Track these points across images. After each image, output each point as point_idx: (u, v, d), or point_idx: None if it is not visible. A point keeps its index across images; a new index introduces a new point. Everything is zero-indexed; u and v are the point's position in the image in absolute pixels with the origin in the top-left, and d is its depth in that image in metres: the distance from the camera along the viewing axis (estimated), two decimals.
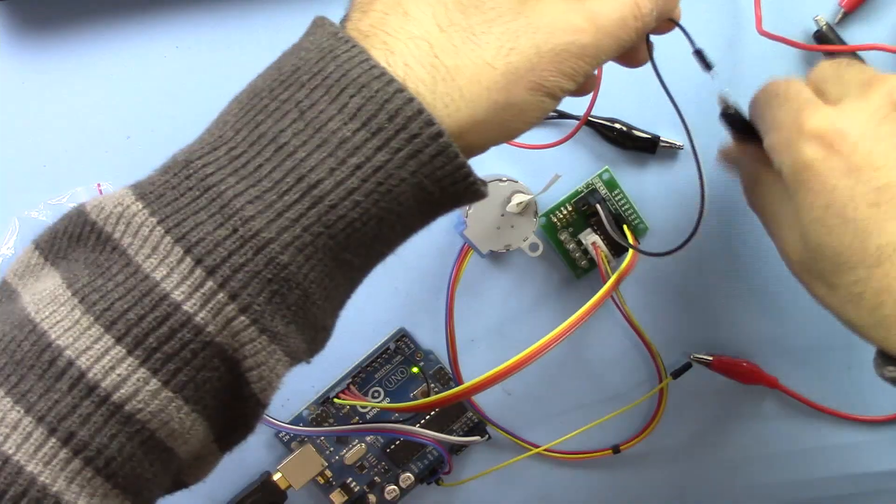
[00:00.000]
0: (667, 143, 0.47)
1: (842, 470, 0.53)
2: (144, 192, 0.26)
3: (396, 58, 0.26)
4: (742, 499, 0.52)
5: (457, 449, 0.49)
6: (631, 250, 0.44)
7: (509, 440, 0.49)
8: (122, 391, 0.24)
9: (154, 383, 0.25)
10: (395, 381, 0.48)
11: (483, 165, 0.46)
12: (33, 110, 0.44)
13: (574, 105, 0.47)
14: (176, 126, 0.44)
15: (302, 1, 0.44)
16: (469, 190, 0.27)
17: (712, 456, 0.51)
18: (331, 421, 0.47)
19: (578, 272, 0.48)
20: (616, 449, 0.50)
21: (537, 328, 0.48)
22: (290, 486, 0.47)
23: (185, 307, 0.24)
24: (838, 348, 0.50)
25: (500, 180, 0.44)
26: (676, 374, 0.49)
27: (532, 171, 0.47)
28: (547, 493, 0.51)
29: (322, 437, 0.48)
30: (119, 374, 0.24)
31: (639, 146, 0.47)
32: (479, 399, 0.49)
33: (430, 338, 0.48)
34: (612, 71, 0.47)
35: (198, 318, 0.25)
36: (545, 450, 0.49)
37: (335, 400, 0.47)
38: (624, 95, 0.47)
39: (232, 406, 0.27)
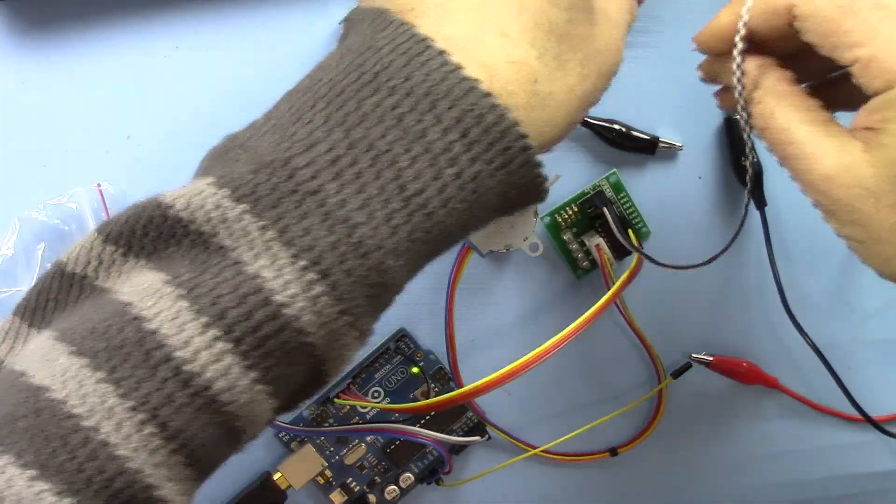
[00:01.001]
0: (666, 143, 0.47)
1: (842, 470, 0.53)
2: (242, 193, 0.26)
3: (495, 78, 0.27)
4: (742, 499, 0.52)
5: (457, 449, 0.49)
6: (636, 255, 0.44)
7: (509, 440, 0.49)
8: (220, 384, 0.25)
9: (249, 378, 0.25)
10: (395, 381, 0.48)
11: None
12: (33, 110, 0.44)
13: None
14: (176, 126, 0.44)
15: (301, 1, 0.44)
16: (541, 194, 0.29)
17: (712, 456, 0.51)
18: (331, 421, 0.48)
19: (579, 273, 0.48)
20: (614, 451, 0.50)
21: (538, 328, 0.49)
22: (290, 486, 0.47)
23: (291, 309, 0.25)
24: (838, 348, 0.50)
25: None
26: (676, 374, 0.49)
27: None
28: (546, 493, 0.51)
29: (322, 437, 0.48)
30: (219, 368, 0.25)
31: (638, 147, 0.47)
32: (479, 399, 0.49)
33: (430, 338, 0.48)
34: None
35: (302, 321, 0.25)
36: (543, 451, 0.49)
37: (335, 400, 0.47)
38: (623, 96, 0.47)
39: (303, 392, 0.28)
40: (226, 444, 0.26)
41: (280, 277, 0.25)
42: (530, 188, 0.29)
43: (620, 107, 0.47)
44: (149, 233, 0.26)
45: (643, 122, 0.47)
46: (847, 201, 0.29)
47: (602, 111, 0.46)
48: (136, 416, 0.24)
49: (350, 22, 0.30)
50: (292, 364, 0.26)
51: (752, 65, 0.32)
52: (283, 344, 0.25)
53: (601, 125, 0.46)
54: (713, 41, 0.34)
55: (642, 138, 0.46)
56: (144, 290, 0.25)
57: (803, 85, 0.34)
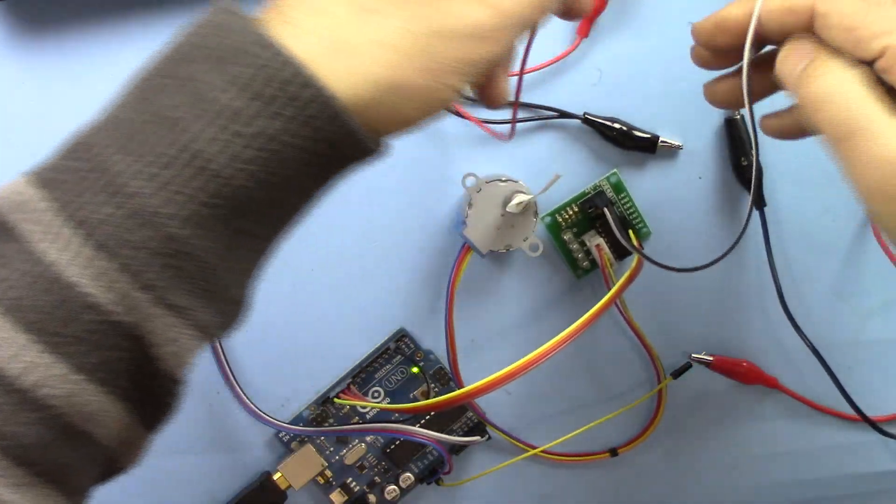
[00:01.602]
0: (666, 143, 0.47)
1: (842, 470, 0.53)
2: (45, 178, 0.25)
3: (295, 29, 0.26)
4: (742, 499, 0.52)
5: (457, 449, 0.49)
6: (636, 256, 0.44)
7: (509, 440, 0.49)
8: (31, 378, 0.24)
9: (61, 367, 0.24)
10: (395, 381, 0.48)
11: (483, 165, 0.46)
12: (33, 110, 0.44)
13: (574, 104, 0.47)
14: None
15: None
16: (359, 148, 0.27)
17: (712, 456, 0.51)
18: (331, 421, 0.48)
19: (579, 273, 0.48)
20: (614, 452, 0.50)
21: (538, 328, 0.49)
22: (290, 486, 0.47)
23: (85, 289, 0.24)
24: (838, 348, 0.50)
25: (500, 180, 0.44)
26: (676, 374, 0.49)
27: (532, 172, 0.47)
28: (546, 493, 0.51)
29: (322, 437, 0.48)
30: (26, 361, 0.24)
31: (639, 146, 0.47)
32: (479, 399, 0.49)
33: (430, 338, 0.48)
34: (612, 69, 0.47)
35: (100, 300, 0.25)
36: (543, 451, 0.49)
37: (335, 400, 0.47)
38: (623, 95, 0.47)
39: (147, 385, 0.27)
40: (67, 446, 0.25)
41: (71, 259, 0.24)
42: (346, 143, 0.27)
43: (621, 106, 0.47)
44: None
45: (644, 122, 0.47)
46: None
47: (603, 110, 0.46)
48: None
49: None
50: (109, 348, 0.25)
51: (807, 43, 0.30)
52: (88, 327, 0.25)
53: (603, 123, 0.46)
54: (719, 33, 0.33)
55: (643, 137, 0.47)
56: None
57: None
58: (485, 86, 0.32)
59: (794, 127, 0.35)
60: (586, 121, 0.46)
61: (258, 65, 0.25)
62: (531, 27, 0.30)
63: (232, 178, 0.25)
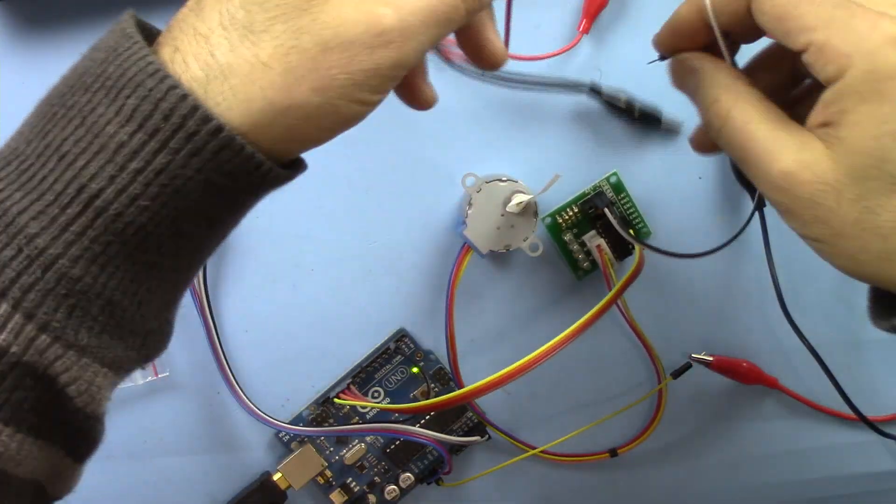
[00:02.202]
0: (670, 120, 0.47)
1: (841, 470, 0.53)
2: None
3: (178, 55, 0.25)
4: (742, 499, 0.52)
5: (457, 449, 0.49)
6: (637, 255, 0.44)
7: (509, 441, 0.49)
8: None
9: None
10: (395, 381, 0.48)
11: (484, 165, 0.46)
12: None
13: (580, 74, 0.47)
14: None
15: None
16: (259, 173, 0.26)
17: (712, 456, 0.51)
18: (331, 421, 0.47)
19: (580, 273, 0.48)
20: (613, 452, 0.50)
21: (538, 328, 0.49)
22: (290, 486, 0.47)
23: None
24: (838, 348, 0.50)
25: (500, 180, 0.44)
26: (676, 374, 0.49)
27: (532, 171, 0.47)
28: (546, 493, 0.51)
29: (322, 437, 0.48)
30: None
31: (645, 117, 0.47)
32: (479, 400, 0.49)
33: (430, 338, 0.48)
34: (613, 68, 0.47)
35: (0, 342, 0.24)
36: (542, 451, 0.49)
37: (335, 400, 0.47)
38: (627, 69, 0.47)
39: (65, 421, 0.27)
40: None
41: None
42: (248, 173, 0.26)
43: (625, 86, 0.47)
44: None
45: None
46: (809, 198, 0.28)
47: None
48: None
49: None
50: (16, 390, 0.25)
51: (706, 63, 0.32)
52: None
53: (609, 94, 0.46)
54: (674, 37, 0.33)
55: (649, 108, 0.47)
56: None
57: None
58: (404, 93, 0.31)
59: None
60: (592, 90, 0.46)
61: (143, 95, 0.24)
62: (449, 26, 0.28)
63: (122, 215, 0.25)
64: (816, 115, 0.28)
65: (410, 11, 0.26)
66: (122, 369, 0.27)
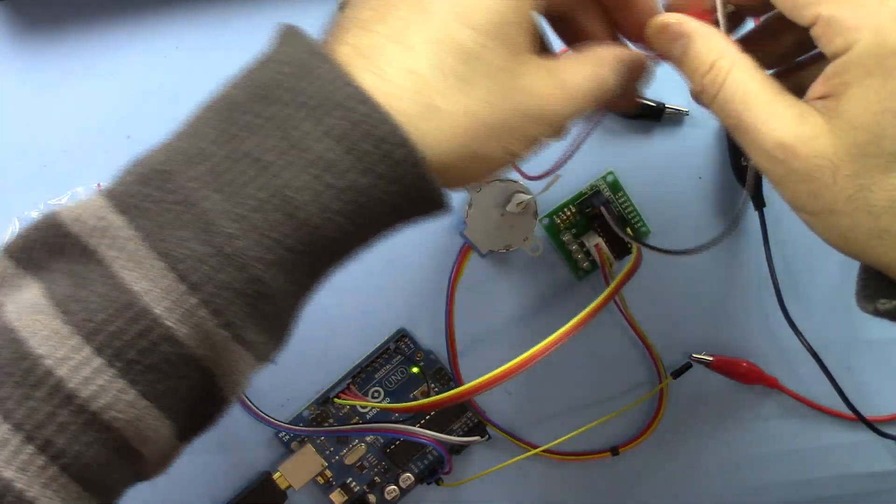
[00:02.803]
0: (673, 109, 0.47)
1: (842, 470, 0.53)
2: (126, 204, 0.26)
3: (386, 84, 0.27)
4: (742, 499, 0.52)
5: (457, 449, 0.49)
6: (634, 253, 0.44)
7: (510, 440, 0.49)
8: (101, 401, 0.24)
9: (132, 393, 0.25)
10: (395, 381, 0.48)
11: None
12: (33, 110, 0.44)
13: None
14: (176, 126, 0.44)
15: (303, 2, 0.44)
16: (439, 206, 0.29)
17: (712, 456, 0.51)
18: (331, 421, 0.48)
19: (580, 273, 0.48)
20: (615, 451, 0.50)
21: (538, 328, 0.49)
22: (290, 486, 0.47)
23: (166, 322, 0.25)
24: (838, 348, 0.50)
25: (500, 180, 0.44)
26: (676, 374, 0.49)
27: (531, 171, 0.47)
28: (547, 493, 0.51)
29: (322, 437, 0.48)
30: (98, 385, 0.24)
31: (644, 113, 0.47)
32: (479, 399, 0.49)
33: (430, 338, 0.48)
34: None
35: (179, 333, 0.25)
36: (544, 451, 0.49)
37: (335, 400, 0.47)
38: None
39: (202, 408, 0.28)
40: (119, 464, 0.26)
41: (153, 290, 0.25)
42: (426, 202, 0.28)
43: None
44: (41, 246, 0.26)
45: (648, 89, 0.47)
46: (804, 171, 0.28)
47: None
48: (15, 437, 0.24)
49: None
50: (178, 378, 0.26)
51: (699, 28, 0.31)
52: (163, 358, 0.25)
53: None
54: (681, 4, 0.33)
55: (649, 105, 0.47)
56: (25, 307, 0.25)
57: (772, 71, 0.33)
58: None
59: None
60: None
61: (354, 119, 0.26)
62: (586, 112, 0.31)
63: (320, 228, 0.26)
64: (818, 86, 0.28)
65: (575, 97, 0.30)
66: (264, 363, 0.28)
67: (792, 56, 0.34)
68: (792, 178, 0.29)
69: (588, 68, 0.31)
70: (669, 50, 0.32)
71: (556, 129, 0.30)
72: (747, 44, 0.32)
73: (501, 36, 0.28)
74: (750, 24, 0.34)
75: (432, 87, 0.27)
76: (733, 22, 0.32)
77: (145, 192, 0.26)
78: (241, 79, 0.27)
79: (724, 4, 0.31)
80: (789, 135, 0.28)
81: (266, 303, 0.26)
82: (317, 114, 0.26)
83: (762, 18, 0.34)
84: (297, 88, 0.26)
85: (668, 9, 0.33)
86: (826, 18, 0.27)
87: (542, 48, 0.33)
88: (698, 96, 0.31)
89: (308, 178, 0.26)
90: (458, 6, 0.27)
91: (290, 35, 0.28)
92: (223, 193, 0.25)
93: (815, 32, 0.28)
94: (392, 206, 0.27)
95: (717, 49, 0.30)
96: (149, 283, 0.25)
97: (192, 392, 0.26)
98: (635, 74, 0.33)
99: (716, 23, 0.32)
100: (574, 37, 0.34)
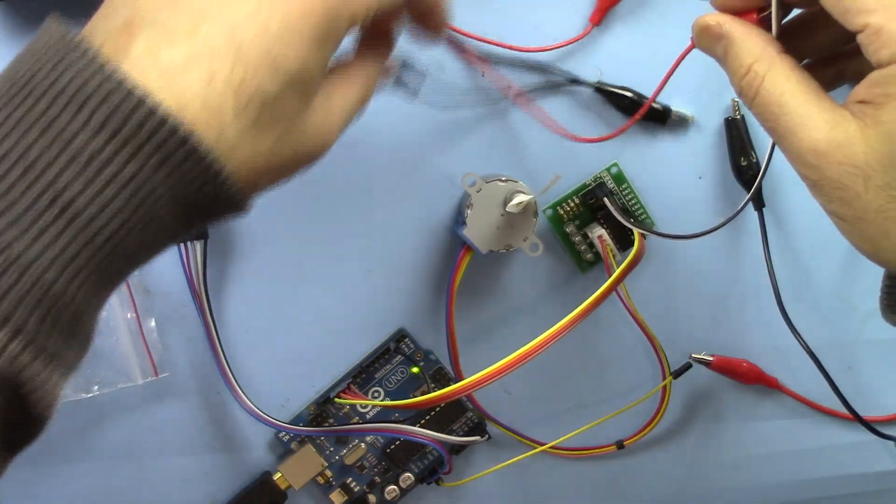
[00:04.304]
0: (678, 114, 0.47)
1: (841, 470, 0.53)
2: None
3: (174, 89, 0.26)
4: (742, 499, 0.52)
5: (457, 449, 0.49)
6: (637, 242, 0.44)
7: (510, 439, 0.49)
8: None
9: None
10: (395, 381, 0.48)
11: (484, 165, 0.46)
12: None
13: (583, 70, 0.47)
14: None
15: None
16: (224, 192, 0.27)
17: (712, 456, 0.51)
18: (331, 421, 0.47)
19: (584, 265, 0.48)
20: (620, 444, 0.50)
21: (541, 326, 0.48)
22: (290, 486, 0.47)
23: None
24: (838, 348, 0.50)
25: (500, 180, 0.44)
26: (677, 374, 0.49)
27: (532, 171, 0.47)
28: (546, 492, 0.51)
29: (322, 437, 0.48)
30: None
31: (650, 116, 0.47)
32: (482, 399, 0.49)
33: (430, 338, 0.48)
34: (618, 35, 0.47)
35: None
36: (551, 447, 0.49)
37: (335, 400, 0.47)
38: (634, 66, 0.47)
39: (15, 422, 0.27)
40: None
41: None
42: (207, 182, 0.27)
43: (631, 76, 0.47)
44: None
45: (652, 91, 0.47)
46: (836, 178, 0.28)
47: (614, 80, 0.47)
48: None
49: None
50: None
51: (737, 29, 0.31)
52: None
53: (615, 93, 0.46)
54: None
55: (655, 108, 0.47)
56: None
57: (805, 62, 0.33)
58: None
59: None
60: (599, 90, 0.47)
61: (126, 110, 0.25)
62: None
63: (94, 219, 0.25)
64: (859, 91, 0.28)
65: (338, 128, 0.31)
66: (71, 373, 0.28)
67: (838, 45, 0.33)
68: (825, 183, 0.29)
69: (354, 90, 0.32)
70: (713, 51, 0.32)
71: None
72: (792, 30, 0.31)
73: (301, 85, 0.28)
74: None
75: (224, 112, 0.27)
76: (780, 12, 0.32)
77: None
78: (2, 73, 0.27)
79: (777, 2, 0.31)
80: (823, 140, 0.28)
81: (60, 307, 0.26)
82: (74, 104, 0.25)
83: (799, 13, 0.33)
84: (53, 80, 0.25)
85: (716, 6, 0.33)
86: (875, 28, 0.27)
87: None
88: (739, 97, 0.31)
89: (74, 170, 0.25)
90: (271, 48, 0.27)
91: (46, 25, 0.27)
92: (1, 203, 0.25)
93: (862, 39, 0.28)
94: (172, 195, 0.26)
95: (754, 52, 0.30)
96: None
97: (3, 412, 0.26)
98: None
99: (761, 21, 0.31)
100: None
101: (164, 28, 0.27)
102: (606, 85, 0.46)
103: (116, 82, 0.25)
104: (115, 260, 0.26)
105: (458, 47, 0.43)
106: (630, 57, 0.47)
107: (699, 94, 0.47)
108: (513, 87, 0.46)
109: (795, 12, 0.33)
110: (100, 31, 0.27)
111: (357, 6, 0.29)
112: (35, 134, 0.25)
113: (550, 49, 0.46)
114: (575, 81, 0.47)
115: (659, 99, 0.47)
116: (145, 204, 0.26)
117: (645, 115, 0.46)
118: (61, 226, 0.25)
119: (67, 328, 0.26)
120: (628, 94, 0.46)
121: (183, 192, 0.26)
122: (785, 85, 0.30)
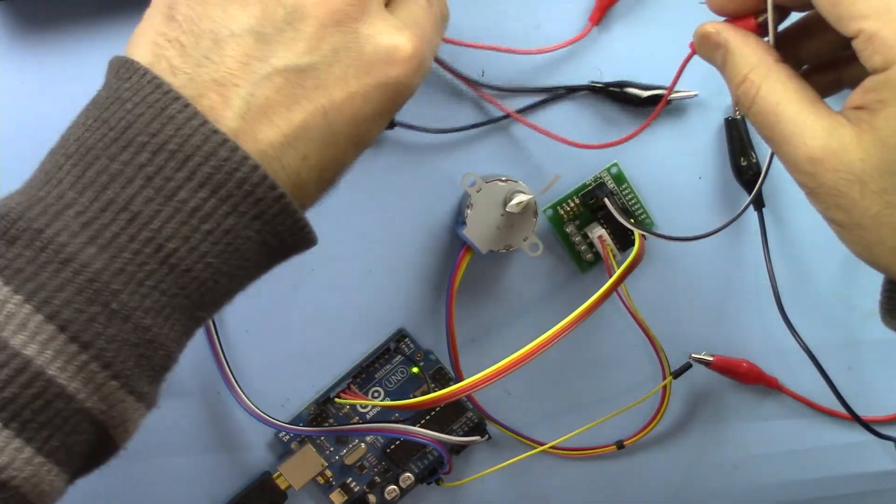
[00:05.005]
0: (678, 93, 0.47)
1: (842, 470, 0.53)
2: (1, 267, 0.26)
3: (246, 124, 0.28)
4: (742, 499, 0.52)
5: (457, 449, 0.49)
6: (637, 242, 0.44)
7: (510, 439, 0.49)
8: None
9: (28, 451, 0.25)
10: (395, 381, 0.48)
11: (484, 165, 0.46)
12: (33, 110, 0.44)
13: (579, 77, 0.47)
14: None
15: None
16: (305, 240, 0.30)
17: (712, 456, 0.51)
18: (331, 421, 0.47)
19: (584, 266, 0.48)
20: (620, 444, 0.50)
21: (541, 325, 0.48)
22: (290, 486, 0.47)
23: (59, 380, 0.25)
24: (838, 348, 0.50)
25: (500, 180, 0.44)
26: (677, 374, 0.49)
27: (532, 171, 0.47)
28: (546, 492, 0.51)
29: (322, 437, 0.48)
30: None
31: (648, 102, 0.47)
32: (482, 399, 0.49)
33: (430, 338, 0.48)
34: (617, 34, 0.47)
35: (71, 388, 0.26)
36: (551, 447, 0.49)
37: (335, 400, 0.47)
38: (634, 64, 0.47)
39: (95, 457, 0.28)
40: None
41: (44, 352, 0.25)
42: (293, 234, 0.29)
43: (627, 63, 0.47)
44: None
45: (651, 76, 0.47)
46: (833, 185, 0.28)
47: (609, 70, 0.47)
48: None
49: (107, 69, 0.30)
50: (73, 434, 0.26)
51: (733, 37, 0.31)
52: (57, 414, 0.26)
53: (609, 87, 0.46)
54: (729, 2, 0.32)
55: (653, 95, 0.46)
56: None
57: (804, 68, 0.33)
58: None
59: None
60: (593, 88, 0.46)
61: (229, 169, 0.27)
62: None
63: (191, 270, 0.27)
64: (854, 97, 0.28)
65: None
66: (151, 410, 0.29)
67: (837, 50, 0.33)
68: (822, 191, 0.29)
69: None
70: (712, 59, 0.32)
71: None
72: (791, 36, 0.32)
73: (364, 144, 0.31)
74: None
75: (310, 182, 0.30)
76: (777, 16, 0.32)
77: (16, 253, 0.26)
78: (87, 118, 0.28)
79: (773, 9, 0.31)
80: (819, 148, 0.28)
81: (153, 350, 0.27)
82: (177, 160, 0.26)
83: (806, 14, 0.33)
84: (154, 132, 0.26)
85: (712, 9, 0.33)
86: (868, 34, 0.27)
87: None
88: (736, 106, 0.32)
89: (176, 224, 0.26)
90: (360, 132, 0.30)
91: (126, 68, 0.28)
92: (96, 246, 0.26)
93: (856, 44, 0.28)
94: (261, 243, 0.28)
95: (751, 61, 0.30)
96: (38, 346, 0.25)
97: (86, 447, 0.27)
98: None
99: (759, 26, 0.31)
100: None
101: (260, 100, 0.28)
102: (599, 83, 0.46)
103: (220, 140, 0.27)
104: (204, 305, 0.28)
105: (451, 70, 0.44)
106: (630, 56, 0.47)
107: (699, 94, 0.47)
108: (510, 113, 0.46)
109: (795, 16, 0.33)
110: (184, 74, 0.28)
111: (421, 80, 0.31)
112: (138, 185, 0.26)
113: (550, 50, 0.46)
114: (573, 89, 0.46)
115: (654, 82, 0.47)
116: (239, 256, 0.28)
117: (645, 99, 0.46)
118: (162, 274, 0.27)
119: (156, 370, 0.28)
120: (626, 88, 0.46)
121: (270, 240, 0.28)
122: (781, 94, 0.30)
